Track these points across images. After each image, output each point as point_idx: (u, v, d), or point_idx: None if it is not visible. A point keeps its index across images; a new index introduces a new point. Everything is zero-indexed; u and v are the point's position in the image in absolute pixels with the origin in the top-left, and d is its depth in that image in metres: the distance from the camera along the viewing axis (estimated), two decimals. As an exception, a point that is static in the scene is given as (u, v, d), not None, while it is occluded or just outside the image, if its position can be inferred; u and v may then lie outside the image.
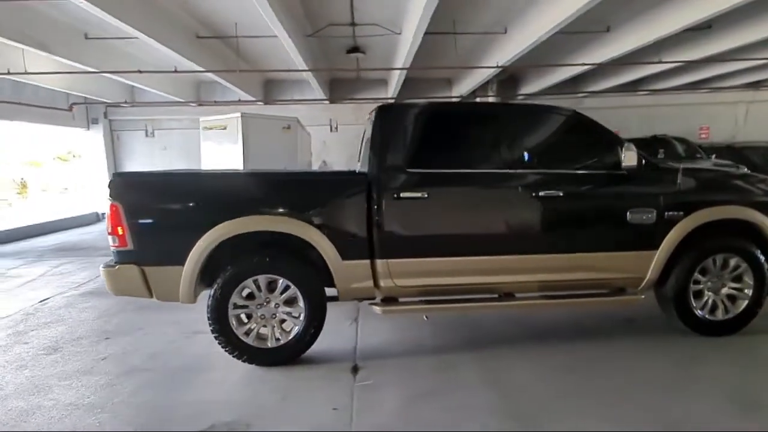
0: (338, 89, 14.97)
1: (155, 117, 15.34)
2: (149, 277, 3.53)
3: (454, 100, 14.55)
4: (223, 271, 3.57)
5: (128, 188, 3.59)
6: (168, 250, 3.53)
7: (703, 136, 15.74)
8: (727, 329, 4.01)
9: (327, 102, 14.85)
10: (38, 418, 3.05)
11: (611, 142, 3.85)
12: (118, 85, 12.97)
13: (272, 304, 3.65)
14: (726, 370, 3.48)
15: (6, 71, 9.11)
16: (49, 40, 8.24)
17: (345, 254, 3.62)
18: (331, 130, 15.66)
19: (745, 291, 3.96)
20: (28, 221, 12.77)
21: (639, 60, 10.64)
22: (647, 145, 12.20)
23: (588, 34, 9.59)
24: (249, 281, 3.59)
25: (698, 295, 3.97)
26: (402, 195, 3.64)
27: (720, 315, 3.98)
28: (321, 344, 3.80)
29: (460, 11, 8.47)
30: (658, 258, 3.84)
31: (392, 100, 13.92)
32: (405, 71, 11.04)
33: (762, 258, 3.92)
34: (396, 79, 12.45)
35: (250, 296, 3.64)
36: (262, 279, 3.60)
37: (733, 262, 3.93)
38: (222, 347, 3.60)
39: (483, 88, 13.81)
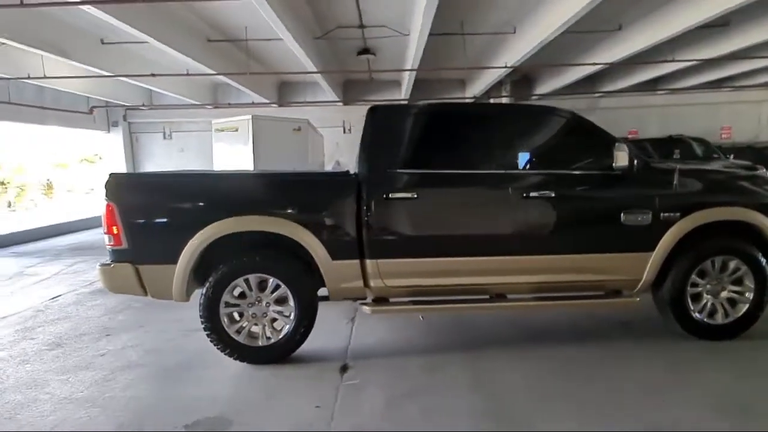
0: (352, 91, 15.04)
1: (173, 120, 15.69)
2: (143, 275, 3.61)
3: (467, 100, 14.48)
4: (215, 270, 3.63)
5: (123, 189, 3.67)
6: (161, 249, 3.61)
7: (725, 135, 15.33)
8: (727, 333, 3.89)
9: (340, 104, 14.93)
10: (31, 410, 3.15)
11: (604, 142, 3.75)
12: (136, 88, 13.28)
13: (263, 303, 3.70)
14: (721, 376, 3.37)
15: (26, 75, 9.41)
16: (66, 46, 8.48)
17: (335, 254, 3.64)
18: (344, 131, 15.73)
19: (746, 294, 3.84)
20: (50, 221, 13.21)
21: (654, 59, 10.43)
22: (663, 145, 11.95)
23: (600, 33, 9.46)
24: (240, 280, 3.64)
25: (697, 298, 3.86)
26: (391, 195, 3.65)
27: (720, 319, 3.87)
28: (315, 343, 3.84)
29: (468, 12, 8.46)
30: (653, 260, 3.75)
31: (405, 101, 13.94)
32: (415, 72, 11.04)
33: (763, 261, 3.79)
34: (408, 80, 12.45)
35: (242, 295, 3.69)
36: (253, 278, 3.65)
37: (732, 264, 3.81)
38: (214, 345, 3.66)
39: (497, 88, 13.72)
